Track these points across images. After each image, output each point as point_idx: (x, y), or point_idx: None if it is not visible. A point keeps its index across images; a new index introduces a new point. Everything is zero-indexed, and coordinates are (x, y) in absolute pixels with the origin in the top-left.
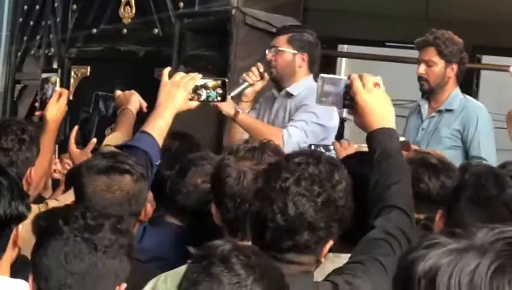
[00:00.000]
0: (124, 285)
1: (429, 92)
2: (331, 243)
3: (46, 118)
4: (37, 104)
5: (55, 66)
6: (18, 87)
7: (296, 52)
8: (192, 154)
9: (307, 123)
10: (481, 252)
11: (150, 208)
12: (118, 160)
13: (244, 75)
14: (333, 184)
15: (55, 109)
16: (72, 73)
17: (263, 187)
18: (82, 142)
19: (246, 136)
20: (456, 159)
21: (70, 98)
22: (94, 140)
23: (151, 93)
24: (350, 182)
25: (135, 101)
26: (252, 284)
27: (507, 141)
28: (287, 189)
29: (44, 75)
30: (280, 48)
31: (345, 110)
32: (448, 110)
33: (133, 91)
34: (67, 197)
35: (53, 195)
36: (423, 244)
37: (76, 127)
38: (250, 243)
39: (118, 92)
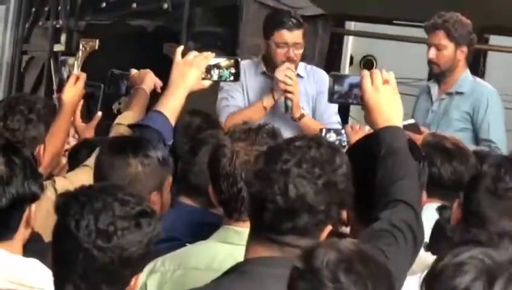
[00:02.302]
0: (140, 275)
1: (440, 75)
2: (329, 228)
3: (62, 100)
4: (55, 86)
5: (63, 38)
6: (25, 58)
7: None
8: (202, 133)
9: None
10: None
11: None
12: (136, 142)
13: (284, 89)
14: (334, 167)
15: (72, 92)
16: (81, 46)
17: (263, 168)
18: (87, 117)
19: None
20: (465, 141)
21: (78, 71)
22: (99, 114)
23: (159, 68)
24: (350, 168)
25: (149, 80)
26: None
27: None
28: (288, 171)
29: (62, 58)
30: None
31: None
32: (459, 93)
33: (148, 70)
34: (76, 175)
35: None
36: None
37: (81, 102)
38: (245, 223)
39: (133, 71)
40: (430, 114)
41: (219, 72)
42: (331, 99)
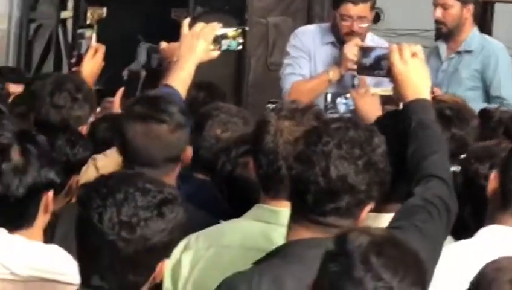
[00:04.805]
0: (166, 260)
1: (447, 34)
2: (370, 206)
3: (82, 73)
4: (73, 60)
5: (70, 6)
6: (33, 26)
7: None
8: (204, 107)
9: None
10: None
11: (190, 151)
12: (157, 108)
13: (351, 67)
14: (373, 147)
15: (91, 64)
16: (88, 14)
17: (304, 151)
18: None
19: None
20: (476, 100)
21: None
22: None
23: (167, 34)
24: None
25: None
26: (397, 287)
27: None
28: (329, 152)
29: (79, 31)
30: None
31: None
32: (467, 51)
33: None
34: (116, 152)
35: None
36: None
37: (122, 89)
38: (280, 202)
39: (163, 44)
40: (440, 74)
41: (227, 43)
42: (360, 71)
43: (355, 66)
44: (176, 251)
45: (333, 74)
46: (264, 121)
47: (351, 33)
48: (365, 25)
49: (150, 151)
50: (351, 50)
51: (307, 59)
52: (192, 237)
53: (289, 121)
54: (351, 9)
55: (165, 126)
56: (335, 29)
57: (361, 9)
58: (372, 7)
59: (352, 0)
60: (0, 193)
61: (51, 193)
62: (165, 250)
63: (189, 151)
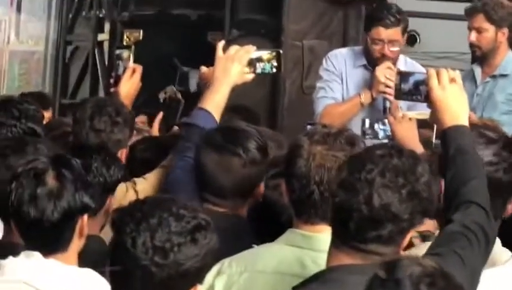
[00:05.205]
0: (198, 286)
1: (482, 58)
2: (412, 233)
3: (119, 94)
4: (111, 80)
5: (106, 28)
6: (69, 48)
7: None
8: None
9: None
10: None
11: (262, 188)
12: (233, 140)
13: (383, 90)
14: (417, 176)
15: (128, 85)
16: (125, 37)
17: (347, 178)
18: (165, 129)
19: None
20: (511, 124)
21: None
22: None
23: (204, 57)
24: (431, 176)
25: None
26: None
27: None
28: (373, 180)
29: (117, 52)
30: None
31: None
32: (503, 75)
33: None
34: (155, 176)
35: None
36: None
37: (161, 114)
38: (313, 226)
39: (203, 68)
40: (475, 98)
41: (261, 65)
42: (397, 96)
43: (387, 89)
44: (209, 276)
45: (365, 97)
46: (297, 145)
47: (383, 57)
48: (396, 48)
49: (219, 181)
50: (383, 73)
51: (339, 82)
52: (226, 261)
53: (321, 146)
54: (382, 32)
55: (237, 159)
56: (367, 52)
57: (393, 32)
58: (404, 31)
59: (383, 24)
60: (36, 218)
61: (85, 217)
62: (198, 275)
63: (261, 188)
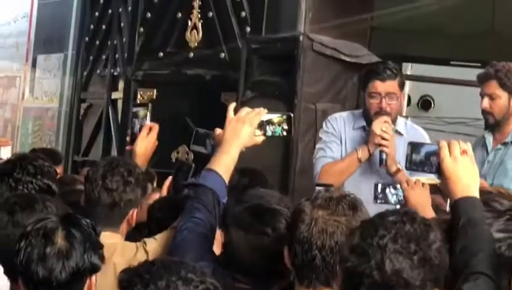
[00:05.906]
0: None
1: (494, 125)
2: None
3: (135, 152)
4: (127, 138)
5: (120, 86)
6: (83, 106)
7: None
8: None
9: None
10: None
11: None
12: (262, 220)
13: (379, 143)
14: (429, 243)
15: (145, 144)
16: (139, 96)
17: (359, 243)
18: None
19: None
20: None
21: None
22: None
23: (217, 117)
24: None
25: None
26: None
27: None
28: (385, 246)
29: (134, 109)
30: None
31: None
32: None
33: None
34: (166, 237)
35: None
36: None
37: (170, 178)
38: None
39: (218, 130)
40: (486, 165)
41: (272, 128)
42: (408, 167)
43: (383, 141)
44: None
45: (362, 153)
46: (299, 209)
47: (380, 111)
48: (394, 102)
49: (249, 260)
50: (379, 126)
51: (338, 143)
52: None
53: (323, 211)
54: (379, 85)
55: (266, 239)
56: (366, 114)
57: (390, 85)
58: (402, 85)
59: (380, 78)
60: (44, 277)
61: (93, 277)
62: None
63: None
